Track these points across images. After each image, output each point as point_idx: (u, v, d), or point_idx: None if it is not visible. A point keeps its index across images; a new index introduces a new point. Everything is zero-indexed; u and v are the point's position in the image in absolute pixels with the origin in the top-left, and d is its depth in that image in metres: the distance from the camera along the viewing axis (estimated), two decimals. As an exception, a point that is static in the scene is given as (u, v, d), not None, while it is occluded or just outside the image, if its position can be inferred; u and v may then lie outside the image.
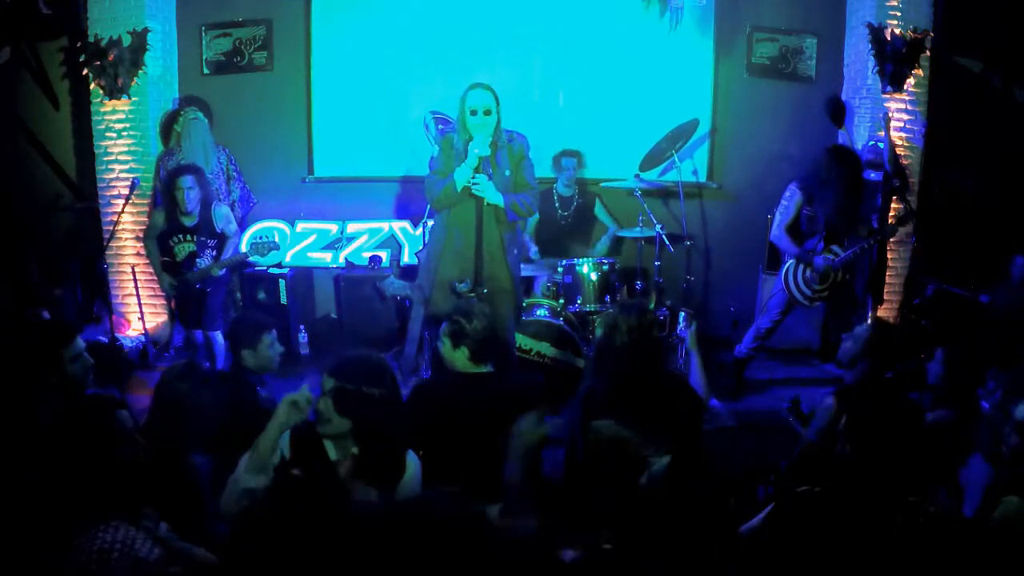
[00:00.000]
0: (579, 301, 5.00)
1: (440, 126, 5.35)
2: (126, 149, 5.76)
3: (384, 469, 2.41)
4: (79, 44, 5.70)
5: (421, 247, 5.43)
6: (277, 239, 4.94)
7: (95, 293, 5.99)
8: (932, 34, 5.73)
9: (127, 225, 5.67)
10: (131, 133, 5.74)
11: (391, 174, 6.20)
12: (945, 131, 5.92)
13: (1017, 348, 3.78)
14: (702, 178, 6.25)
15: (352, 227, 6.16)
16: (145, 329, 5.72)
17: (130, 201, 5.33)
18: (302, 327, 5.87)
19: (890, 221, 5.39)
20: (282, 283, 5.68)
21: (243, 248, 5.09)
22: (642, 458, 2.29)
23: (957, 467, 2.82)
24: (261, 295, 5.74)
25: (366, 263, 5.96)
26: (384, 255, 6.03)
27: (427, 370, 4.70)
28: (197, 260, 4.85)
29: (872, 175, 5.43)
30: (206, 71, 6.08)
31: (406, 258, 6.08)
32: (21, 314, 5.33)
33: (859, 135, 5.87)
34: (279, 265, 5.96)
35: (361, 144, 6.20)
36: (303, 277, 6.12)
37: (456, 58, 5.93)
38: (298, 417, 2.41)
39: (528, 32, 6.02)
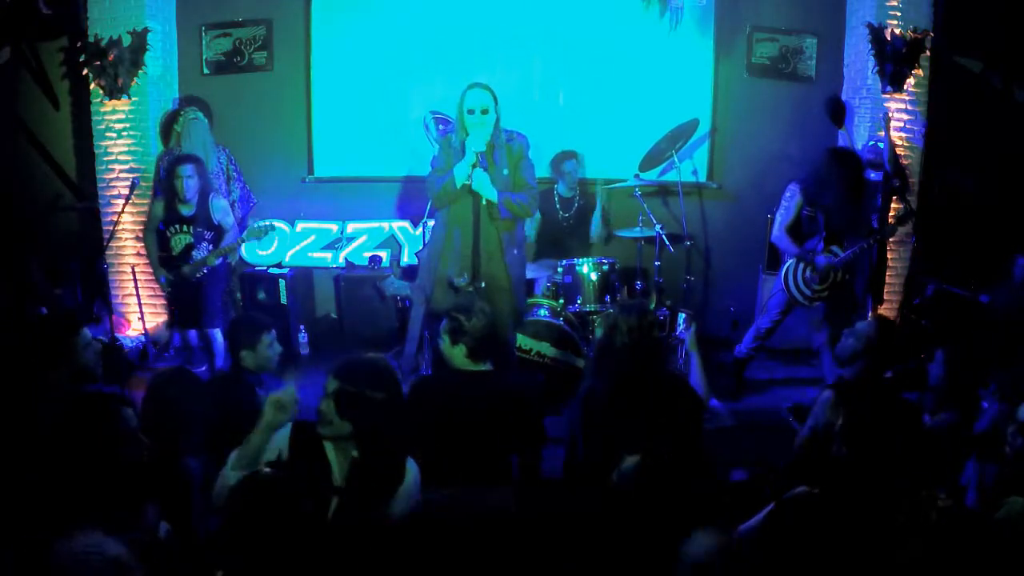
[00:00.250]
0: (579, 301, 4.99)
1: (440, 126, 5.36)
2: (126, 149, 5.76)
3: (383, 474, 2.41)
4: (79, 44, 5.70)
5: (421, 247, 5.43)
6: (272, 222, 4.94)
7: (95, 293, 5.98)
8: (932, 34, 5.73)
9: (127, 225, 5.67)
10: (131, 133, 5.74)
11: (391, 174, 6.19)
12: (945, 131, 5.91)
13: (1017, 348, 3.78)
14: (702, 178, 6.25)
15: (352, 227, 6.16)
16: (145, 329, 5.72)
17: (130, 201, 5.32)
18: (302, 327, 5.88)
19: (890, 221, 5.38)
20: (282, 283, 5.69)
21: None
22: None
23: (958, 468, 2.83)
24: (261, 295, 5.74)
25: (366, 263, 5.96)
26: (384, 255, 6.03)
27: (427, 369, 4.71)
28: (193, 252, 4.86)
29: (872, 175, 5.42)
30: (206, 71, 6.08)
31: (406, 258, 6.08)
32: (22, 314, 5.33)
33: (859, 135, 5.87)
34: (279, 265, 5.96)
35: (361, 144, 6.20)
36: (303, 277, 6.12)
37: (456, 58, 5.93)
38: (283, 417, 2.41)
39: (528, 32, 6.02)
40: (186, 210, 4.88)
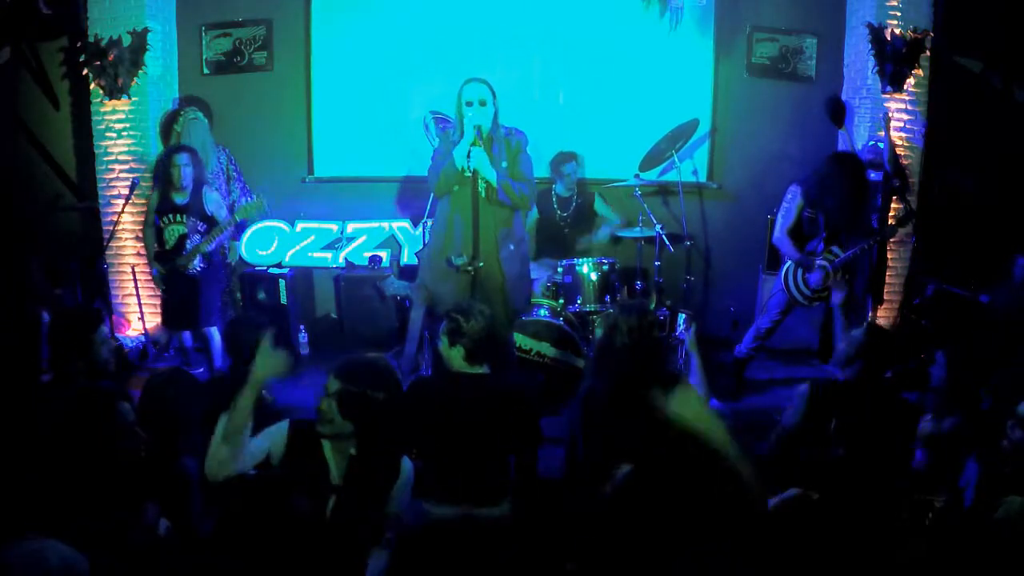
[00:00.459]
0: (579, 301, 4.99)
1: (440, 126, 5.35)
2: (126, 149, 5.76)
3: (380, 472, 2.41)
4: (79, 44, 5.71)
5: (421, 247, 5.43)
6: (262, 197, 4.95)
7: (95, 293, 5.99)
8: (932, 34, 5.73)
9: (127, 225, 5.67)
10: (131, 133, 5.74)
11: (391, 174, 6.20)
12: (945, 131, 5.91)
13: (1017, 348, 3.77)
14: (702, 178, 6.25)
15: (352, 227, 6.16)
16: (145, 329, 5.72)
17: (130, 201, 5.33)
18: (302, 327, 5.88)
19: (890, 221, 5.39)
20: (282, 283, 5.69)
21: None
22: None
23: (959, 468, 2.82)
24: (261, 295, 5.74)
25: (366, 263, 5.96)
26: (384, 255, 6.03)
27: (427, 369, 4.71)
28: (187, 243, 4.87)
29: (872, 175, 5.42)
30: (206, 71, 6.09)
31: (406, 258, 6.08)
32: (22, 313, 5.33)
33: (859, 135, 5.87)
34: (279, 265, 5.96)
35: (361, 144, 6.20)
36: (303, 277, 6.12)
37: (456, 58, 5.92)
38: (268, 373, 2.40)
39: (528, 32, 6.02)
40: (180, 198, 4.90)
